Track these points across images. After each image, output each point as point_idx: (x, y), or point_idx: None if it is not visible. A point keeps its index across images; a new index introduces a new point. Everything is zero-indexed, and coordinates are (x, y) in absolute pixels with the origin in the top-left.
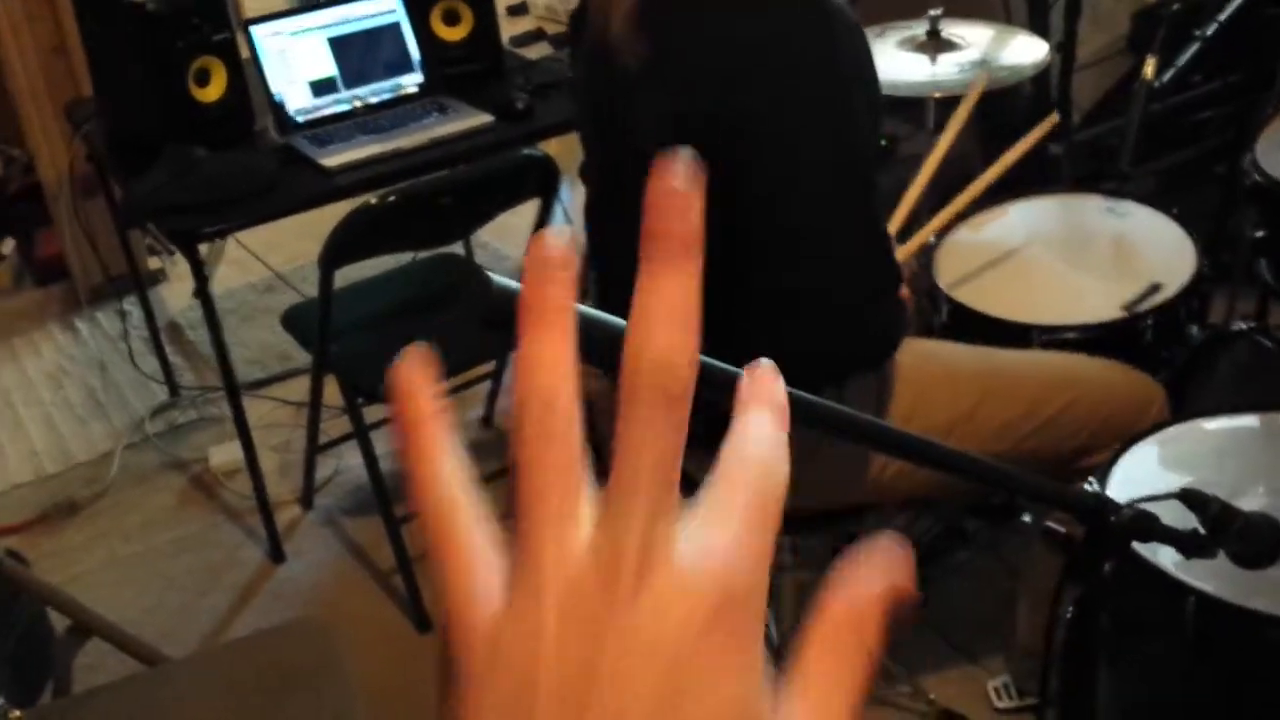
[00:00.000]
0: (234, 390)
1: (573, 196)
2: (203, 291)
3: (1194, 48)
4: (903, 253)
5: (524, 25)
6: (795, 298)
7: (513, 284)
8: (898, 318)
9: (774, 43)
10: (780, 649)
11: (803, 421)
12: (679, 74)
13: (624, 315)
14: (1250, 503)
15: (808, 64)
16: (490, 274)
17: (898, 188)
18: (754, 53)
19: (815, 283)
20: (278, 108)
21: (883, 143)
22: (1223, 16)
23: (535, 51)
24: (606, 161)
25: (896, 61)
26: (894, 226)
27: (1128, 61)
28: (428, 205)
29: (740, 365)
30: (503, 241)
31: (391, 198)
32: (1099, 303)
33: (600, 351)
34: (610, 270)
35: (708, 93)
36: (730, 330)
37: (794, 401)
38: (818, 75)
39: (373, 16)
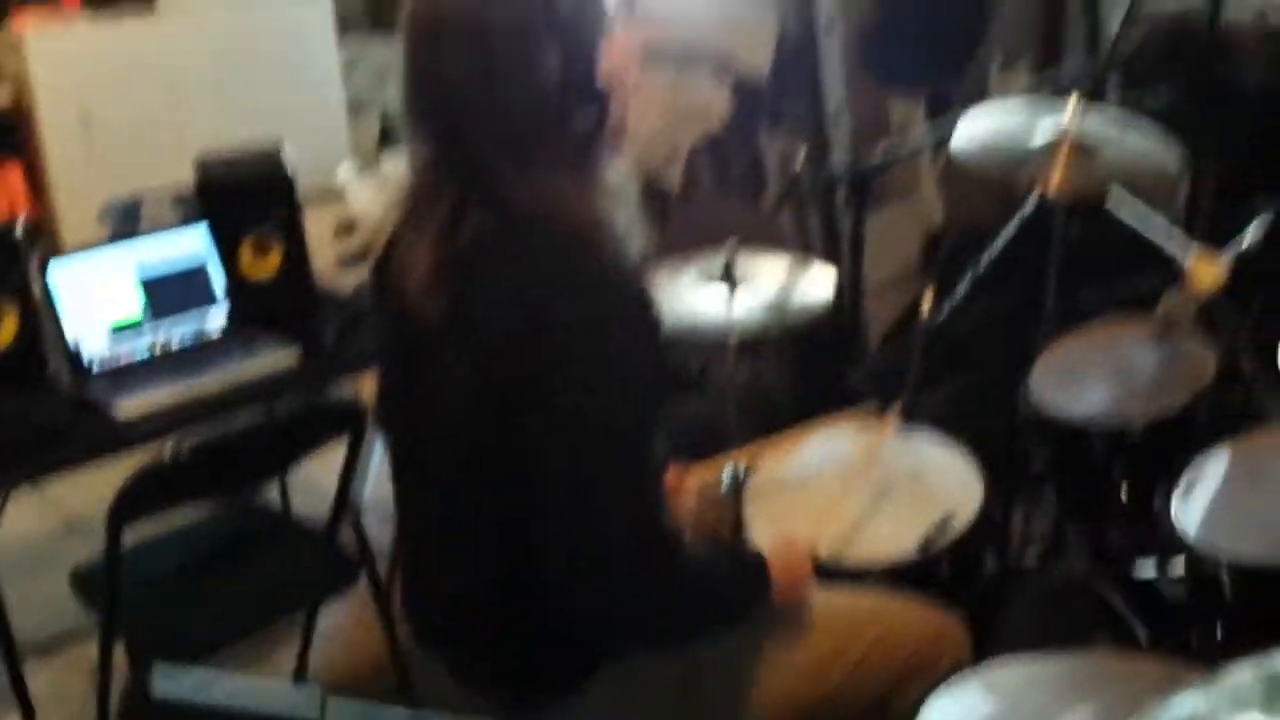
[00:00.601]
0: (12, 656)
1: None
2: None
3: (969, 277)
4: (705, 497)
5: (354, 243)
6: (581, 568)
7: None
8: (696, 600)
9: (564, 310)
10: None
11: None
12: (475, 337)
13: (431, 585)
14: None
15: (593, 329)
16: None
17: (711, 418)
18: (546, 320)
19: (599, 555)
20: (72, 352)
21: (693, 373)
22: (996, 247)
23: (364, 271)
24: (406, 418)
25: (696, 295)
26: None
27: (919, 283)
28: (226, 453)
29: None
30: (316, 484)
31: (186, 449)
32: (895, 535)
33: None
34: (412, 531)
35: (502, 358)
36: (538, 604)
37: None
38: (605, 342)
39: (178, 251)
